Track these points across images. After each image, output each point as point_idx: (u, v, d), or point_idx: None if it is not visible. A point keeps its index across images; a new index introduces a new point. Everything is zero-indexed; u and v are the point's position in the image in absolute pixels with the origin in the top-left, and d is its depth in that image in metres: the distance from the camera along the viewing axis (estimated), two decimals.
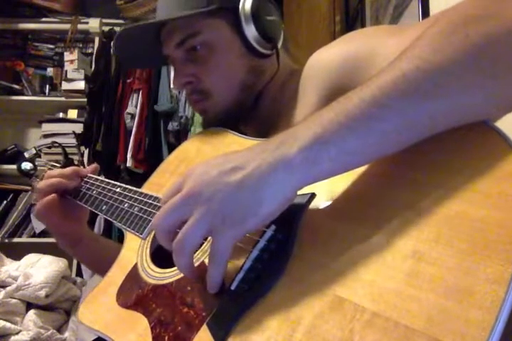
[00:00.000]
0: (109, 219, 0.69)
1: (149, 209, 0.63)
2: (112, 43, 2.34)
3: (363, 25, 1.81)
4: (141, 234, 0.62)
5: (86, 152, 2.33)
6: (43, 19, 2.56)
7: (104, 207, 0.71)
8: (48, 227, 0.80)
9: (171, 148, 2.19)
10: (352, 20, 1.98)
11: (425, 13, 1.13)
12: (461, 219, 0.34)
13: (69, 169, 0.79)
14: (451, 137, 0.38)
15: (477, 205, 0.34)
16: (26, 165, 0.91)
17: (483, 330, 0.28)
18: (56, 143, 1.02)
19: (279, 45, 0.71)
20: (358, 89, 0.39)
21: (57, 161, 0.91)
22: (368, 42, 0.57)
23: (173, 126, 2.17)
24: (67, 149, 0.98)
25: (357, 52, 0.57)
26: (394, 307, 0.33)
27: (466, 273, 0.31)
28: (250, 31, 0.67)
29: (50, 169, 0.89)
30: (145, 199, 0.64)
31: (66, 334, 1.40)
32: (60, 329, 1.44)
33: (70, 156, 0.95)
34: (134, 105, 2.24)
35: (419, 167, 0.39)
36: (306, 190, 0.42)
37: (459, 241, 0.33)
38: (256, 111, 0.73)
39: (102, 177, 0.78)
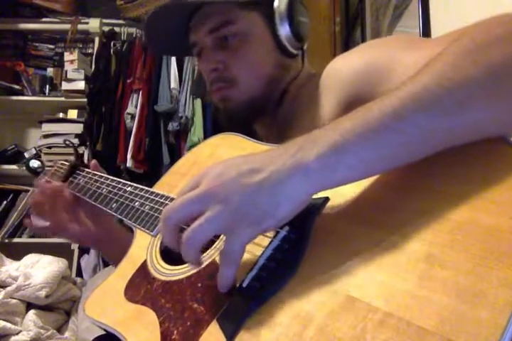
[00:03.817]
0: (119, 216, 0.70)
1: (160, 208, 0.63)
2: (112, 43, 2.36)
3: (362, 26, 1.81)
4: (151, 231, 0.63)
5: (86, 152, 2.33)
6: (43, 19, 2.56)
7: (114, 204, 0.72)
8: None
9: (171, 149, 2.20)
10: (352, 20, 1.99)
11: (425, 13, 1.13)
12: (473, 225, 0.35)
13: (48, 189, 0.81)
14: (465, 148, 0.39)
15: (489, 213, 0.35)
16: (34, 163, 0.92)
17: (495, 331, 0.29)
18: (69, 141, 1.02)
19: (305, 47, 0.72)
20: (378, 100, 0.40)
21: (66, 160, 0.91)
22: (388, 53, 0.57)
23: (173, 126, 2.17)
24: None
25: (377, 62, 0.58)
26: (406, 307, 0.33)
27: (479, 276, 0.32)
28: (283, 29, 0.68)
29: (59, 167, 0.90)
30: (156, 198, 0.65)
31: (66, 335, 1.40)
32: (60, 330, 1.43)
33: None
34: (134, 105, 2.24)
35: (433, 175, 0.40)
36: (320, 193, 0.42)
37: (471, 246, 0.34)
38: (277, 110, 0.73)
39: (112, 177, 0.78)
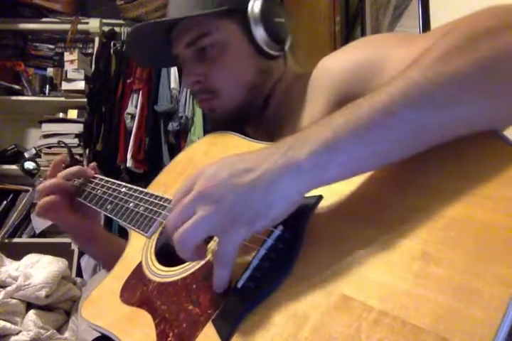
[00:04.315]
0: (113, 218, 0.70)
1: (155, 209, 0.63)
2: (112, 43, 2.36)
3: (362, 26, 1.81)
4: (146, 232, 0.63)
5: (86, 152, 2.33)
6: (43, 19, 2.56)
7: (109, 206, 0.72)
8: (59, 225, 0.81)
9: (171, 149, 2.20)
10: (352, 20, 1.98)
11: (425, 13, 1.13)
12: (468, 222, 0.34)
13: (74, 168, 0.80)
14: (459, 143, 0.38)
15: (483, 209, 0.34)
16: (29, 165, 0.92)
17: (490, 329, 0.29)
18: (62, 142, 1.02)
19: (287, 47, 0.71)
20: (368, 97, 0.39)
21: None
22: (378, 50, 0.57)
23: (173, 126, 2.17)
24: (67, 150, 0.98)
25: (368, 59, 0.58)
26: (401, 306, 0.33)
27: (474, 274, 0.32)
28: (259, 33, 0.67)
29: None
30: (151, 199, 0.65)
31: (66, 335, 1.40)
32: (60, 330, 1.43)
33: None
34: (134, 105, 2.24)
35: (427, 171, 0.40)
36: (314, 191, 0.42)
37: (466, 243, 0.33)
38: (263, 113, 0.73)
39: (107, 177, 0.78)
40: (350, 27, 2.00)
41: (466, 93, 0.36)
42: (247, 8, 0.67)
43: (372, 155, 0.39)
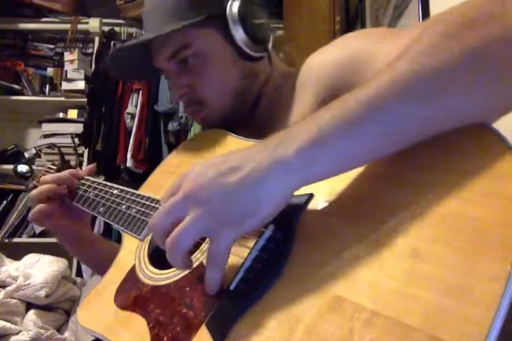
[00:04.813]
0: (106, 220, 0.70)
1: (147, 211, 0.63)
2: (112, 43, 2.36)
3: (363, 25, 1.81)
4: (138, 235, 0.63)
5: (86, 152, 2.33)
6: (43, 19, 2.56)
7: (101, 208, 0.71)
8: (51, 231, 0.81)
9: (171, 148, 2.19)
10: (352, 20, 1.98)
11: (425, 13, 1.13)
12: (458, 217, 0.34)
13: (64, 173, 0.80)
14: (449, 137, 0.38)
15: (473, 204, 0.34)
16: (22, 168, 0.92)
17: (481, 327, 0.28)
18: (53, 144, 1.02)
19: (270, 46, 0.71)
20: (354, 91, 0.39)
21: (53, 163, 0.91)
22: (365, 45, 0.57)
23: (173, 126, 2.17)
24: (67, 149, 0.98)
25: (354, 54, 0.57)
26: (393, 305, 0.33)
27: (465, 271, 0.31)
28: (239, 36, 0.66)
29: (46, 171, 0.89)
30: (142, 201, 0.65)
31: (66, 334, 1.40)
32: (60, 329, 1.43)
33: (69, 156, 0.95)
34: (134, 105, 2.24)
35: (416, 166, 0.39)
36: (304, 189, 0.42)
37: (456, 239, 0.33)
38: (254, 114, 0.73)
39: (99, 179, 0.78)
40: (350, 27, 2.00)
41: (453, 84, 0.35)
42: (224, 12, 0.66)
43: (361, 151, 0.38)
